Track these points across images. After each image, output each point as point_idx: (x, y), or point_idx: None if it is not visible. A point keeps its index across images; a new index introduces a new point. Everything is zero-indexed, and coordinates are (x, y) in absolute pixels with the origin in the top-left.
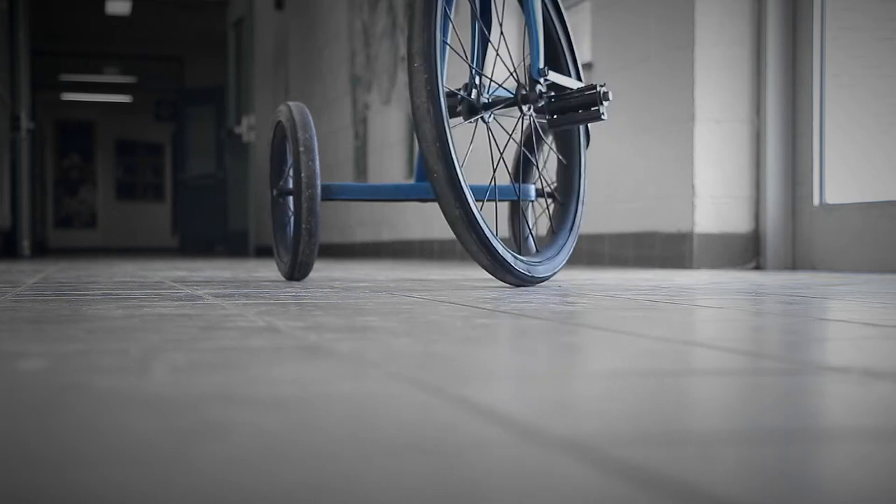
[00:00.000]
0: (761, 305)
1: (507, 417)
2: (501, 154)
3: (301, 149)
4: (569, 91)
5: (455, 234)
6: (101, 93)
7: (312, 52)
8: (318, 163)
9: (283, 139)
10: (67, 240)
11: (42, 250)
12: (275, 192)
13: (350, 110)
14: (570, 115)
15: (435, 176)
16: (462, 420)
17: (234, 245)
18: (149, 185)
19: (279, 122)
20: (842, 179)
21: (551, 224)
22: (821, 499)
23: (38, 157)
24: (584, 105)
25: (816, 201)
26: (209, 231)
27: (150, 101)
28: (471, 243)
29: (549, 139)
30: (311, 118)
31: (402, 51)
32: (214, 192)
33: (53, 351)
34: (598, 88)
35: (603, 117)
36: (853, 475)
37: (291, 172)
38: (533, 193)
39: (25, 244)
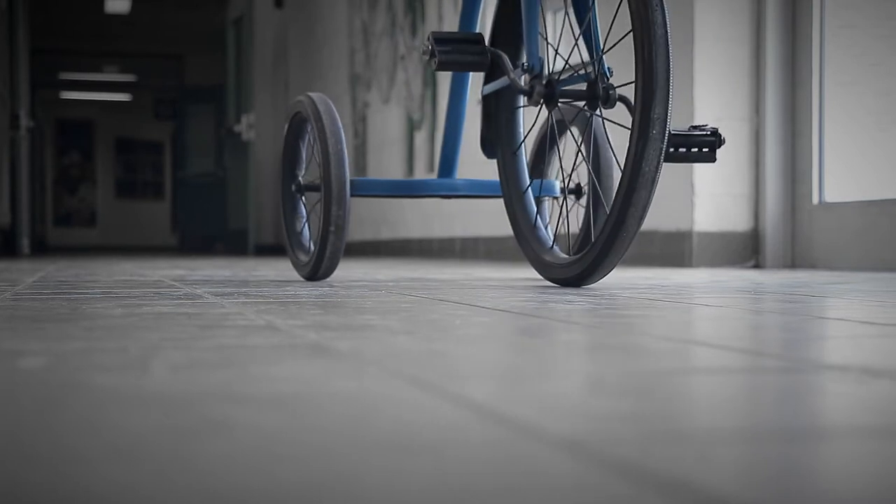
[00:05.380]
0: (761, 304)
1: (506, 416)
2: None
3: (332, 172)
4: (686, 129)
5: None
6: (100, 91)
7: (312, 50)
8: (348, 180)
9: (297, 133)
10: (67, 238)
11: (41, 248)
12: (293, 188)
13: (350, 108)
14: (684, 151)
15: None
16: (461, 419)
17: (233, 243)
18: (148, 184)
19: (297, 114)
20: (842, 177)
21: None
22: (820, 497)
23: (38, 155)
24: (707, 145)
25: (816, 200)
26: (209, 229)
27: (150, 100)
28: None
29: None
30: (340, 122)
31: (402, 49)
32: (214, 190)
33: (53, 349)
34: (720, 133)
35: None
36: (853, 473)
37: (319, 177)
38: (557, 189)
39: (25, 242)
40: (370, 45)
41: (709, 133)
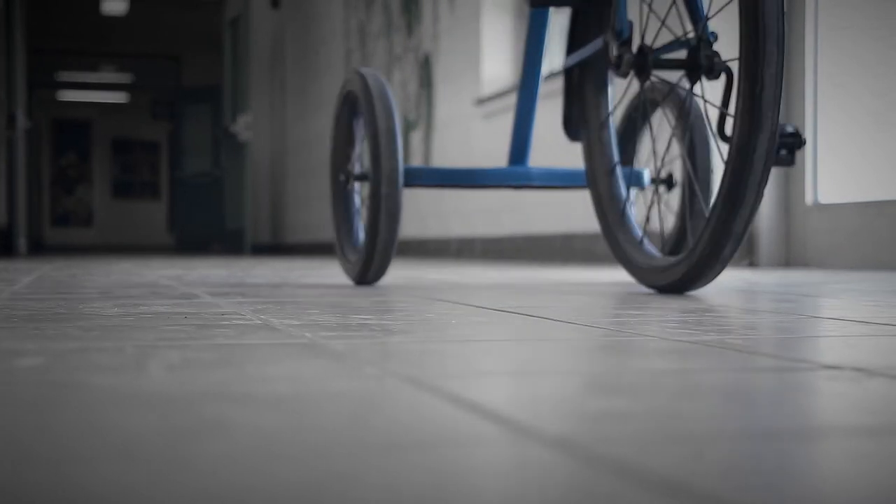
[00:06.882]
0: (755, 303)
1: (502, 415)
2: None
3: (382, 157)
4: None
5: None
6: (97, 91)
7: (309, 50)
8: (401, 166)
9: (350, 115)
10: (64, 238)
11: (38, 248)
12: (342, 177)
13: None
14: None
15: None
16: (457, 418)
17: (230, 243)
18: (145, 184)
19: (349, 94)
20: (840, 177)
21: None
22: (815, 497)
23: (35, 155)
24: (786, 147)
25: (810, 200)
26: (206, 229)
27: (147, 100)
28: None
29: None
30: (393, 102)
31: (397, 49)
32: (211, 190)
33: (50, 349)
34: (800, 134)
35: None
36: (847, 473)
37: (369, 165)
38: (646, 179)
39: (22, 242)
40: (366, 45)
41: (788, 134)
